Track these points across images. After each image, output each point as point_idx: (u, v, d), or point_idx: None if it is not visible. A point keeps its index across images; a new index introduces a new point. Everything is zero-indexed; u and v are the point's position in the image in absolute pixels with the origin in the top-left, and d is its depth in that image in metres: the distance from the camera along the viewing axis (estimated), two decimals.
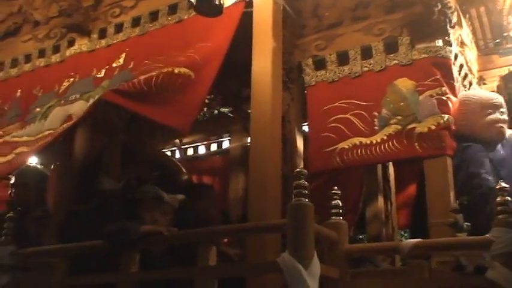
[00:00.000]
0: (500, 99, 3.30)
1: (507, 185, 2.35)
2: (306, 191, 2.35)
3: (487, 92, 3.39)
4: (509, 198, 2.34)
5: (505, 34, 4.00)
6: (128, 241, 2.75)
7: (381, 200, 4.32)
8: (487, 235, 2.36)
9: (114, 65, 3.52)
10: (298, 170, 2.41)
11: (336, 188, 2.76)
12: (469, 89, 3.71)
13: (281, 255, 2.32)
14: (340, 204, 2.74)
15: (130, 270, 2.74)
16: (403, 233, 6.14)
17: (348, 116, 3.17)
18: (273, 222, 2.67)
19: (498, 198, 2.36)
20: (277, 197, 2.87)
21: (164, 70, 3.11)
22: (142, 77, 3.14)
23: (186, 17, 3.43)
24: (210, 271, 2.63)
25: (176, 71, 3.09)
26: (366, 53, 3.25)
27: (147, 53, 3.40)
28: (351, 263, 2.85)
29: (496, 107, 3.23)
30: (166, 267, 2.91)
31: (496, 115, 3.21)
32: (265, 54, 3.04)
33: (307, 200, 2.34)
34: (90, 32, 3.79)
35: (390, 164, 4.38)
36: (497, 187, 2.36)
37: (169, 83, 3.07)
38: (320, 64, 3.38)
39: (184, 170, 4.71)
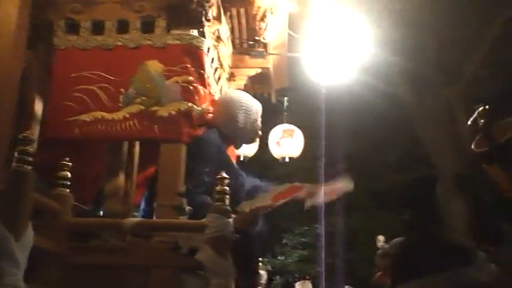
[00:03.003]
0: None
1: (227, 176, 2.55)
2: (30, 158, 2.22)
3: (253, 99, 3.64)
4: (227, 188, 2.53)
5: (256, 38, 4.32)
6: None
7: (121, 177, 4.31)
8: (203, 220, 2.54)
9: None
10: (24, 135, 2.25)
11: (67, 159, 2.67)
12: (218, 83, 3.92)
13: None
14: (69, 176, 2.66)
15: None
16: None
17: (93, 87, 3.09)
18: None
19: (217, 187, 2.54)
20: (1, 160, 2.65)
21: None
22: None
23: None
24: None
25: None
26: (122, 27, 3.19)
27: None
28: (78, 237, 2.79)
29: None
30: None
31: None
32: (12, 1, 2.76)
33: (30, 167, 2.21)
34: None
35: (137, 143, 4.40)
36: (218, 176, 2.53)
37: None
38: (73, 28, 3.21)
39: None
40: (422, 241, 1.45)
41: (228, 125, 3.39)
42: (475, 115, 1.93)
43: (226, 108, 3.42)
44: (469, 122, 1.98)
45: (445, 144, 9.70)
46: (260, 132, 3.66)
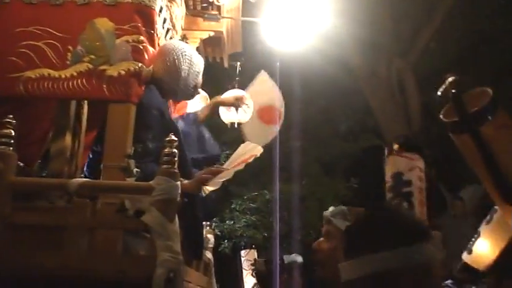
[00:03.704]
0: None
1: (175, 138, 2.53)
2: None
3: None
4: (175, 150, 2.52)
5: (210, 0, 4.25)
6: None
7: (68, 138, 4.21)
8: (151, 182, 2.53)
9: None
10: None
11: (10, 116, 2.60)
12: None
13: None
14: (13, 134, 2.59)
15: None
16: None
17: (40, 44, 2.98)
18: None
19: (166, 150, 2.52)
20: None
21: None
22: None
23: None
24: None
25: None
26: None
27: None
28: (22, 197, 2.74)
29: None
30: None
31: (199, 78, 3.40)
32: None
33: None
34: None
35: (85, 103, 4.30)
36: (166, 139, 2.51)
37: None
38: None
39: None
40: (381, 215, 1.44)
41: (170, 75, 3.21)
42: (445, 84, 1.94)
43: (168, 56, 3.22)
44: (439, 91, 2.00)
45: (394, 115, 9.93)
46: (201, 91, 3.52)
